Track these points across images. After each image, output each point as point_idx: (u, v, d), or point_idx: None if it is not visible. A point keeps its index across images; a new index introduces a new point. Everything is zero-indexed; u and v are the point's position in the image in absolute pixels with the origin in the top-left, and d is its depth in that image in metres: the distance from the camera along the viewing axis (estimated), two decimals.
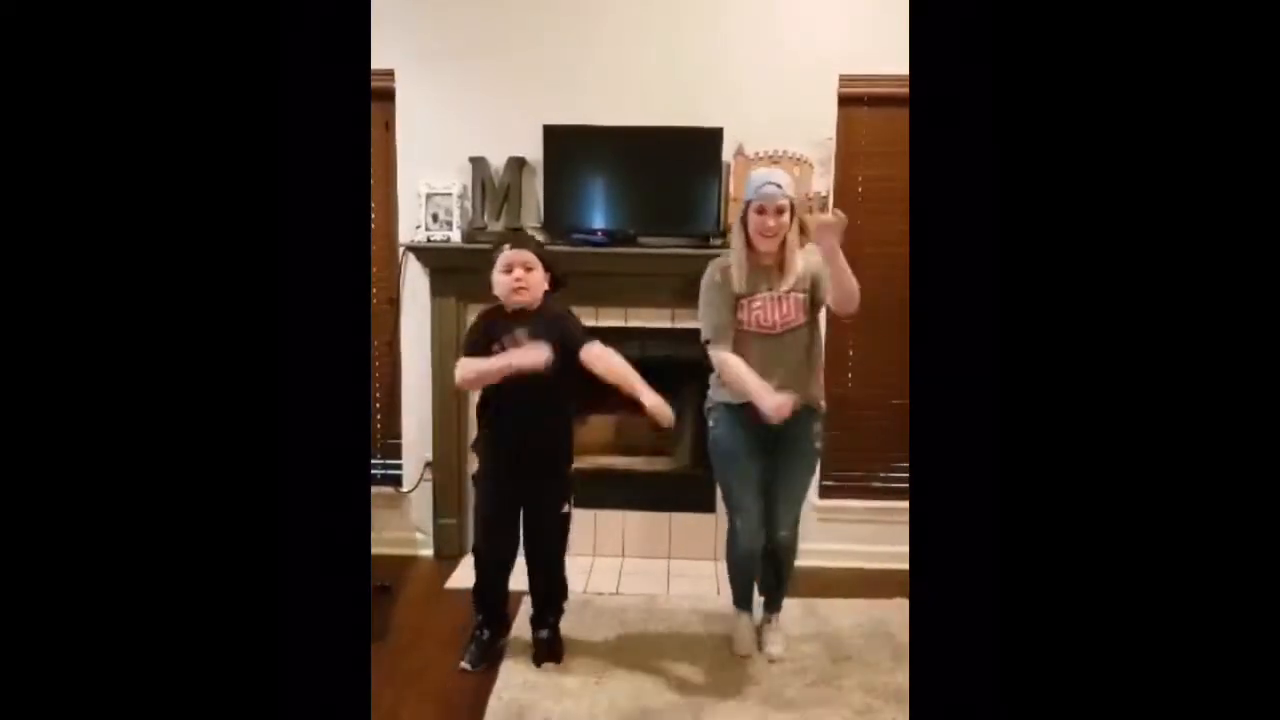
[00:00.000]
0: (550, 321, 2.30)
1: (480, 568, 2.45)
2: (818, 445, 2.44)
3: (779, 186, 2.22)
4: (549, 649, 2.47)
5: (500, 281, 2.29)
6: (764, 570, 2.56)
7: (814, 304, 2.34)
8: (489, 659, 2.46)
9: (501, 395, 2.29)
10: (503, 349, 2.25)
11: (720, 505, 3.15)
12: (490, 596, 2.47)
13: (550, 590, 2.50)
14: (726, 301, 2.32)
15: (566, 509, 2.44)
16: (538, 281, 2.30)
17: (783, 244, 2.28)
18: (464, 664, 2.43)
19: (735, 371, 2.26)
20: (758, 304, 2.31)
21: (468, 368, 2.27)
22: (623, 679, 2.38)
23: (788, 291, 2.31)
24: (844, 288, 2.17)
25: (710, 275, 2.35)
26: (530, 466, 2.36)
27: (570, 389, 2.34)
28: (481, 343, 2.30)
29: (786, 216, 2.24)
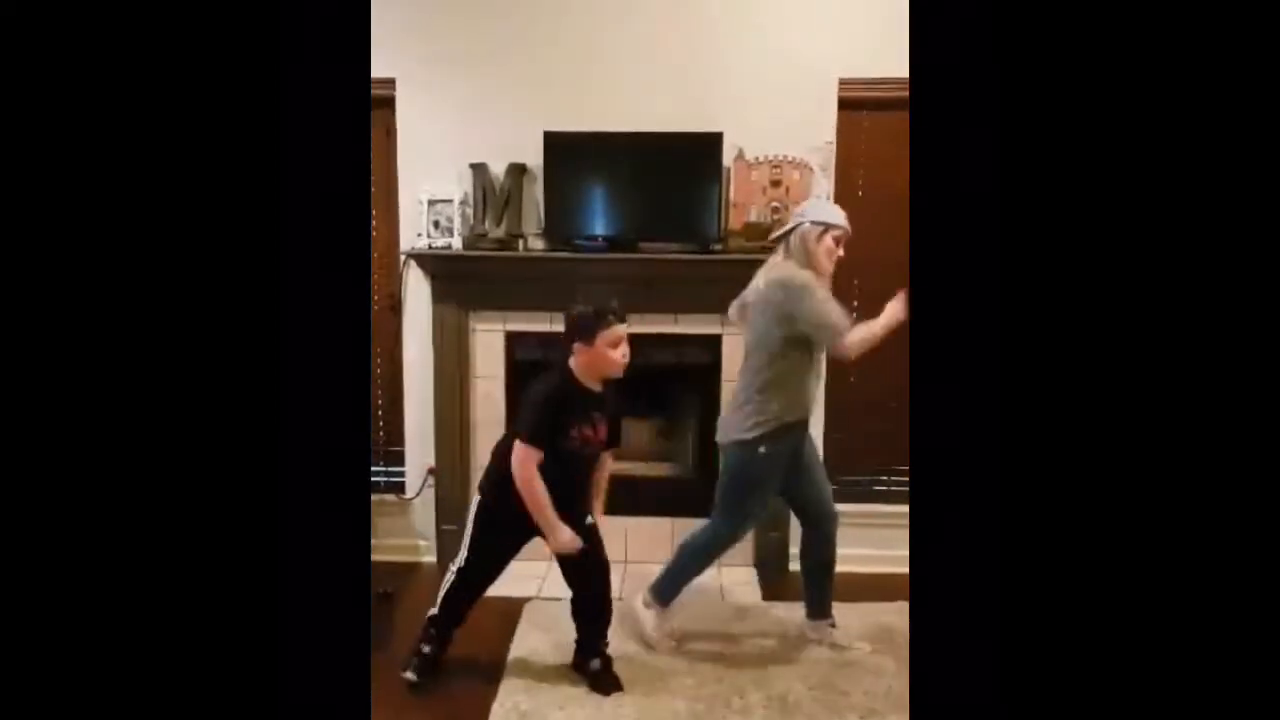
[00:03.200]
0: (614, 407, 2.38)
1: (467, 585, 2.40)
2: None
3: None
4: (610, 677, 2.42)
5: (612, 358, 2.24)
6: (813, 575, 2.65)
7: None
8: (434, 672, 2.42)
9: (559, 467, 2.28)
10: (580, 434, 2.26)
11: None
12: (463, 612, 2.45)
13: (603, 613, 2.46)
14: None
15: (590, 519, 2.43)
16: None
17: None
18: (409, 675, 2.39)
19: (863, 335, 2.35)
20: None
21: (535, 487, 2.21)
22: (626, 685, 2.38)
23: None
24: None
25: (807, 274, 2.38)
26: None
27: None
28: (550, 422, 2.23)
29: None
